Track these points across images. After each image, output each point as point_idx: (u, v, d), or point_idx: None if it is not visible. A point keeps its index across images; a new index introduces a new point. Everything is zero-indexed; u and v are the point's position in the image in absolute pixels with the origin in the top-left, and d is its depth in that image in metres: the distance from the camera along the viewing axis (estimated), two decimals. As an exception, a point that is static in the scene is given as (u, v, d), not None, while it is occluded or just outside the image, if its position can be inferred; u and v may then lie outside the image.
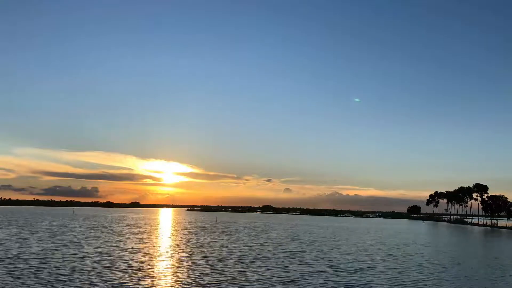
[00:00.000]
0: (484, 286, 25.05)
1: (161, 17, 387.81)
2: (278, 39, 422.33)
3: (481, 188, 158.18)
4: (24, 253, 30.52)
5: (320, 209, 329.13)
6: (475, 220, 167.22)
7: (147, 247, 38.71)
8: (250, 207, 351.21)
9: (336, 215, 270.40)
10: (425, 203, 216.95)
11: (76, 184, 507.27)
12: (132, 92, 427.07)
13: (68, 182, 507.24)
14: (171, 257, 32.20)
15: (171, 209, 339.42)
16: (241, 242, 46.62)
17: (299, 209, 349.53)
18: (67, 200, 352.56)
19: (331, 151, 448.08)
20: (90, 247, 36.34)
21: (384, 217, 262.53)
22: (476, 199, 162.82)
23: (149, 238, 49.52)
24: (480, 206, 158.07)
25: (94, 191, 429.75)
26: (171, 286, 21.24)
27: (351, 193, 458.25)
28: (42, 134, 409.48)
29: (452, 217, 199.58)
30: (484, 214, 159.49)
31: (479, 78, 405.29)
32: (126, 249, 36.24)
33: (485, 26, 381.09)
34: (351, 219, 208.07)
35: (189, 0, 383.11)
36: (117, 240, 43.83)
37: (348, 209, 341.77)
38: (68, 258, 28.90)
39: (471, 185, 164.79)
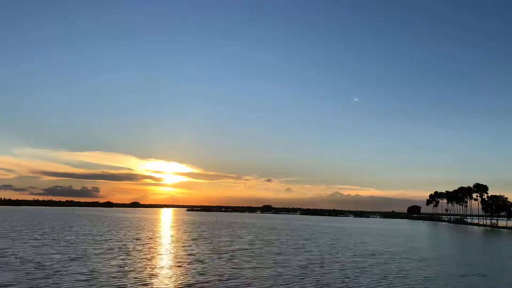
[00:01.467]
0: None
1: (161, 18, 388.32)
2: (278, 40, 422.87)
3: (481, 188, 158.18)
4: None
5: (320, 209, 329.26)
6: (475, 220, 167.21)
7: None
8: (250, 207, 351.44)
9: (336, 215, 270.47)
10: (425, 203, 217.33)
11: (76, 184, 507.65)
12: (132, 92, 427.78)
13: (68, 182, 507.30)
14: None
15: (171, 209, 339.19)
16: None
17: (299, 209, 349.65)
18: (67, 200, 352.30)
19: (332, 151, 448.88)
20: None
21: (384, 217, 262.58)
22: (476, 199, 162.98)
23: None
24: (480, 206, 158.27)
25: (94, 191, 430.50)
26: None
27: (352, 193, 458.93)
28: (42, 134, 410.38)
29: (452, 217, 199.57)
30: (484, 214, 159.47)
31: (479, 79, 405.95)
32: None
33: (485, 31, 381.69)
34: (354, 219, 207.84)
35: (190, 4, 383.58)
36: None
37: (349, 209, 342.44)
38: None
39: (471, 185, 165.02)
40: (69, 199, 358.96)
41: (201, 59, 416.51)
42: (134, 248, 37.44)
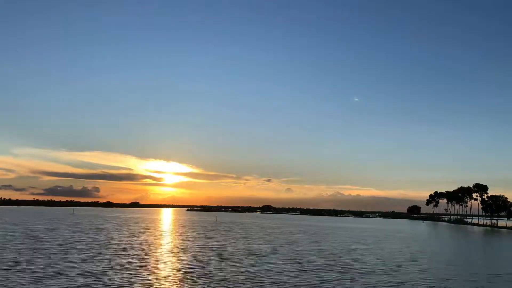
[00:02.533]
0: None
1: (161, 18, 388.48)
2: (278, 40, 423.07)
3: (481, 188, 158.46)
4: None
5: (320, 209, 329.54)
6: (475, 220, 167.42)
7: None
8: (250, 207, 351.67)
9: (336, 215, 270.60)
10: (425, 203, 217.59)
11: (77, 184, 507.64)
12: (132, 92, 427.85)
13: (68, 182, 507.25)
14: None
15: (171, 209, 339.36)
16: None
17: (299, 209, 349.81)
18: (67, 200, 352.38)
19: (332, 151, 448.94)
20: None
21: (384, 217, 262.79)
22: (476, 199, 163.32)
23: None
24: (480, 206, 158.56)
25: (94, 191, 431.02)
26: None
27: (353, 193, 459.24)
28: (42, 134, 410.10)
29: (452, 217, 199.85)
30: (484, 214, 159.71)
31: (479, 79, 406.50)
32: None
33: (485, 31, 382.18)
34: (355, 219, 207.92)
35: (190, 4, 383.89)
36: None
37: (349, 209, 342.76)
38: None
39: (471, 185, 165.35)
40: (69, 199, 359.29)
41: (201, 59, 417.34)
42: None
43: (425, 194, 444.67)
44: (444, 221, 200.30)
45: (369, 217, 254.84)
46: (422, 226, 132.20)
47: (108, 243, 40.66)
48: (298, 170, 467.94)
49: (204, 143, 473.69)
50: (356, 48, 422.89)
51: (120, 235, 50.92)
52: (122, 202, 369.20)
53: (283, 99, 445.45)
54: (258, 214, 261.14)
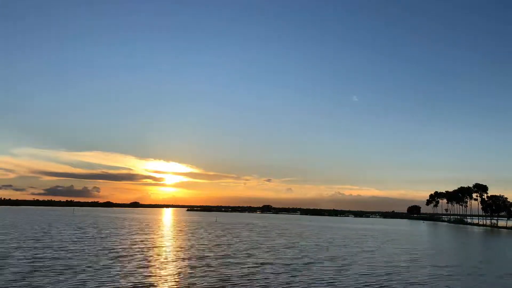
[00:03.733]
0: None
1: (161, 19, 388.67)
2: (278, 40, 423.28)
3: (481, 188, 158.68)
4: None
5: (320, 209, 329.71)
6: (475, 220, 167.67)
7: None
8: (250, 207, 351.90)
9: (336, 215, 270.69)
10: (425, 203, 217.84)
11: (77, 184, 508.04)
12: (132, 93, 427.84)
13: (68, 182, 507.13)
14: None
15: (171, 209, 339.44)
16: None
17: (299, 209, 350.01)
18: (67, 200, 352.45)
19: (332, 151, 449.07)
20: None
21: (384, 217, 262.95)
22: (476, 199, 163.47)
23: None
24: (480, 206, 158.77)
25: (94, 191, 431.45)
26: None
27: (354, 193, 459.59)
28: (42, 134, 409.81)
29: (452, 217, 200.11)
30: (484, 214, 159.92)
31: (479, 79, 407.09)
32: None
33: (485, 31, 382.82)
34: (356, 219, 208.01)
35: (190, 4, 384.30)
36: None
37: (349, 209, 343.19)
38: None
39: (471, 185, 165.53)
40: (69, 199, 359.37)
41: (201, 59, 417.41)
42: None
43: (425, 194, 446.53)
44: (444, 221, 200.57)
45: (369, 217, 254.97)
46: (422, 226, 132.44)
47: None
48: (298, 170, 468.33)
49: (204, 143, 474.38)
50: (356, 47, 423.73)
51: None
52: (122, 202, 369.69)
53: (282, 99, 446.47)
54: (258, 214, 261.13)
